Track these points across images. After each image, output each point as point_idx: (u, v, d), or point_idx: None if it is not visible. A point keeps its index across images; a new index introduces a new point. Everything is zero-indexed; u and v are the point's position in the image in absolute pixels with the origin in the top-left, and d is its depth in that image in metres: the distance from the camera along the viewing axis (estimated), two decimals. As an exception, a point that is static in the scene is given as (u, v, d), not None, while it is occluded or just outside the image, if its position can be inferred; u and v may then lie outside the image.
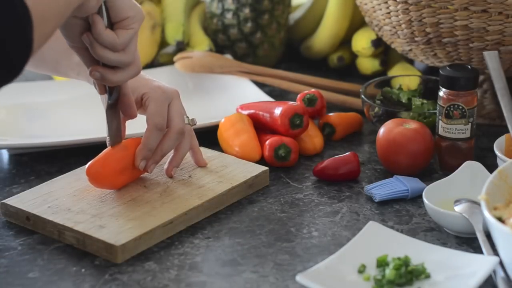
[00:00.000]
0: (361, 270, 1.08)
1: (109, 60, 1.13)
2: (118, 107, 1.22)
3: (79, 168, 1.30)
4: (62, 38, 1.15)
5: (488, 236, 1.11)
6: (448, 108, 1.30)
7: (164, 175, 1.29)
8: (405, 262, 1.07)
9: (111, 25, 1.12)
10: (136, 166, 1.24)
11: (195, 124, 1.31)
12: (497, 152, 1.29)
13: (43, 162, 1.39)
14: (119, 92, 1.20)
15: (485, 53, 1.35)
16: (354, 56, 1.73)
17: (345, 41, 1.74)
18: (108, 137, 1.23)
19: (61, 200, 1.22)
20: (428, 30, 1.42)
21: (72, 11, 1.05)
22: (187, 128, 1.28)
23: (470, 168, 1.26)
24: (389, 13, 1.46)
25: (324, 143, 1.43)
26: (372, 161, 1.39)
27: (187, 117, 1.29)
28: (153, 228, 1.16)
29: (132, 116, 1.23)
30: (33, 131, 1.48)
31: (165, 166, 1.29)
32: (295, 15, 1.82)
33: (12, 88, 1.60)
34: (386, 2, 1.45)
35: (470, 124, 1.31)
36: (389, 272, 1.06)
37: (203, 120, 1.45)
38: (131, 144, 1.25)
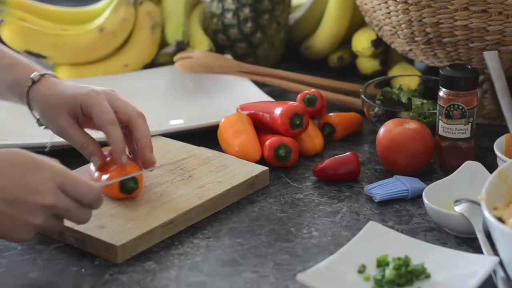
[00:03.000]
0: (361, 270, 1.08)
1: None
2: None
3: (79, 168, 1.30)
4: None
5: (488, 236, 1.11)
6: (448, 108, 1.30)
7: (164, 176, 1.28)
8: (405, 262, 1.07)
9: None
10: (121, 164, 1.20)
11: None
12: (497, 152, 1.29)
13: (43, 162, 1.39)
14: None
15: (485, 53, 1.35)
16: (354, 56, 1.73)
17: (345, 41, 1.74)
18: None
19: (61, 200, 1.22)
20: (428, 30, 1.42)
21: None
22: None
23: (470, 168, 1.26)
24: (389, 13, 1.46)
25: (324, 143, 1.43)
26: (372, 161, 1.39)
27: None
28: (153, 228, 1.16)
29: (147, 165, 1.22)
30: (33, 131, 1.47)
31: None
32: (295, 15, 1.82)
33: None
34: (386, 2, 1.45)
35: (470, 124, 1.31)
36: (389, 272, 1.06)
37: (203, 120, 1.45)
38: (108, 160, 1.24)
